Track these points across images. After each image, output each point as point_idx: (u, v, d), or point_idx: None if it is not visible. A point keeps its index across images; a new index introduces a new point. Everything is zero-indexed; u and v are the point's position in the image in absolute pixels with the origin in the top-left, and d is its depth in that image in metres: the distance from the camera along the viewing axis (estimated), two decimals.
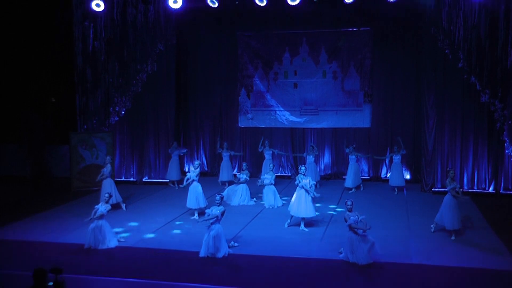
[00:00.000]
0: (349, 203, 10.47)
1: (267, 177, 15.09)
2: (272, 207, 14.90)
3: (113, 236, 11.55)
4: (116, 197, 14.68)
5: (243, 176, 15.47)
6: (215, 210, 10.77)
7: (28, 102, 20.06)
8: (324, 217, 13.73)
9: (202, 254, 10.67)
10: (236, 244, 11.38)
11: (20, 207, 15.26)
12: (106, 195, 11.84)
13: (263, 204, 15.11)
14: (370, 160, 18.59)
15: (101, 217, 11.36)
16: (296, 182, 12.83)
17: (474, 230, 12.41)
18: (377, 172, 18.66)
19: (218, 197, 11.14)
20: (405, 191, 16.63)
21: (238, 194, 15.39)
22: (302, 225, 12.63)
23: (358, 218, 10.22)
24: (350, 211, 10.35)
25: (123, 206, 14.92)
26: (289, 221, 12.93)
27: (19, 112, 19.70)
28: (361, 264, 10.01)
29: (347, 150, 17.17)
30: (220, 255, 10.63)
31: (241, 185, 15.48)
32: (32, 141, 19.61)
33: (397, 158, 16.60)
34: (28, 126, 19.55)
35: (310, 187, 12.63)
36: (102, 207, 11.42)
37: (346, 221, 10.26)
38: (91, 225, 11.30)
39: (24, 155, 19.79)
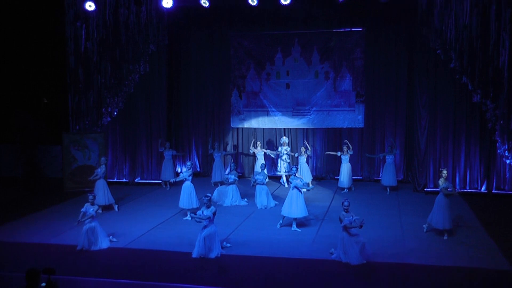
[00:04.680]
0: (346, 203, 10.45)
1: (259, 177, 15.08)
2: (265, 208, 14.90)
3: (105, 237, 11.51)
4: (109, 198, 14.66)
5: (232, 177, 15.49)
6: (206, 211, 10.76)
7: (20, 102, 19.98)
8: (317, 217, 13.74)
9: (194, 254, 10.67)
10: (228, 244, 11.38)
11: (12, 208, 15.18)
12: (91, 196, 11.52)
13: (256, 204, 15.12)
14: (364, 159, 18.62)
15: (93, 218, 11.32)
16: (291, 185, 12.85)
17: (467, 230, 12.45)
18: (370, 172, 18.69)
19: (205, 199, 11.05)
20: (388, 190, 16.67)
21: (229, 195, 15.42)
22: (294, 225, 12.64)
23: (353, 218, 10.25)
24: (346, 212, 10.37)
25: (116, 207, 14.89)
26: (281, 221, 12.95)
27: (11, 112, 19.61)
28: (353, 264, 10.04)
29: (339, 153, 17.19)
30: (212, 255, 10.61)
31: (231, 185, 15.50)
32: (24, 141, 19.52)
33: (389, 158, 16.66)
34: (21, 126, 19.46)
35: (303, 184, 12.69)
36: (90, 209, 11.34)
37: (341, 221, 10.29)
38: (84, 227, 11.24)
39: (17, 156, 19.71)
